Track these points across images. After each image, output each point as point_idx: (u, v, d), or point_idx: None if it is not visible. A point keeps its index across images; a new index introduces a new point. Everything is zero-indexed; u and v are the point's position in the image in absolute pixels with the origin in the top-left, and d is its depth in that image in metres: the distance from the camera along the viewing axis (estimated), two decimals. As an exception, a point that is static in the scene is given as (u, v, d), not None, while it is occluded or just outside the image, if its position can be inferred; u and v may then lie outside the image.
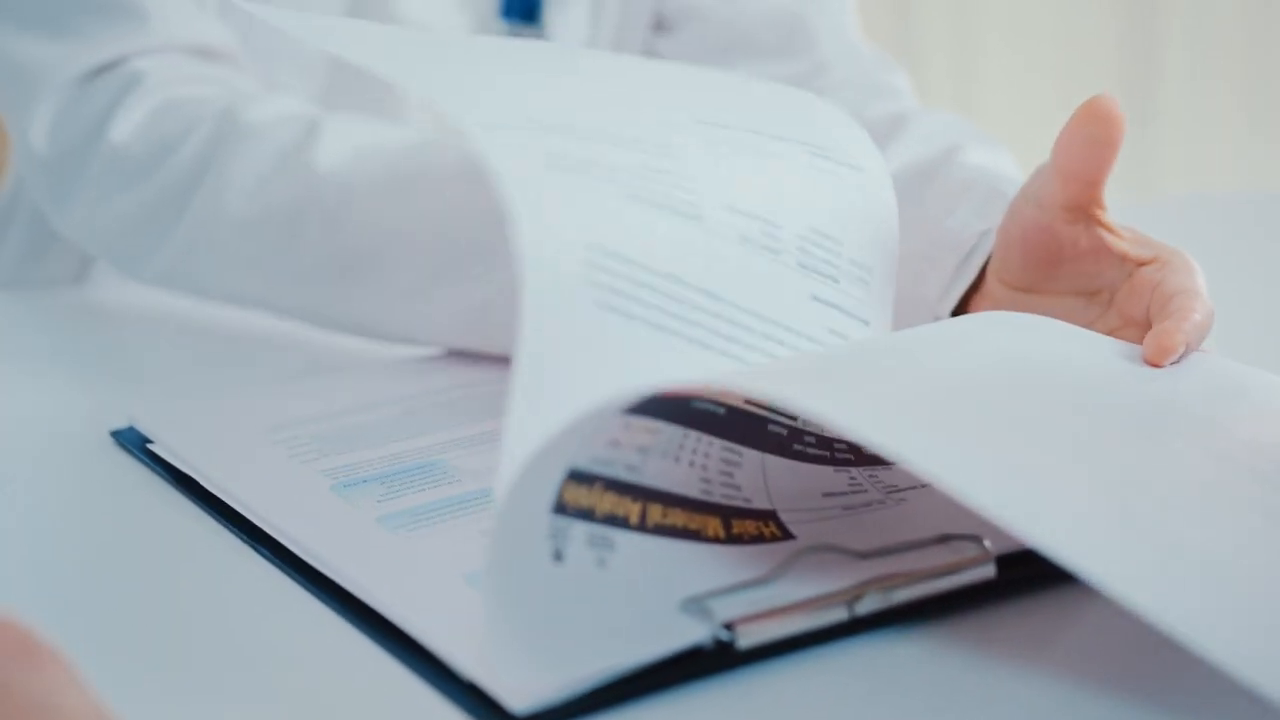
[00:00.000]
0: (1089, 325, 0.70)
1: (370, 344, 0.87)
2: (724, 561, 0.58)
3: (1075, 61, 2.33)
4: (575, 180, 0.61)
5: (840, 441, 0.64)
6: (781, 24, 1.06)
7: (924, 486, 0.64)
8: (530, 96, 0.64)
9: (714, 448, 0.60)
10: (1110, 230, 0.72)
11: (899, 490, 0.65)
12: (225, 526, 0.68)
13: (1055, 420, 0.58)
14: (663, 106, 0.68)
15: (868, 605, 0.57)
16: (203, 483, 0.70)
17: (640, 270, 0.61)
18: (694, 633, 0.55)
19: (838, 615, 0.57)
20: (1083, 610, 0.59)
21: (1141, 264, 0.71)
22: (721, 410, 0.60)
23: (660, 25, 1.10)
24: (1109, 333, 0.70)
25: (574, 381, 0.56)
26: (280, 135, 0.87)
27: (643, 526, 0.57)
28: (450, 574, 0.61)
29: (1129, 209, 0.77)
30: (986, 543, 0.60)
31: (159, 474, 0.73)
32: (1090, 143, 0.70)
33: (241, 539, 0.67)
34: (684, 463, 0.59)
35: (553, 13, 1.06)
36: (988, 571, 0.60)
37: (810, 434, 0.63)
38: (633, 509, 0.56)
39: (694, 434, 0.59)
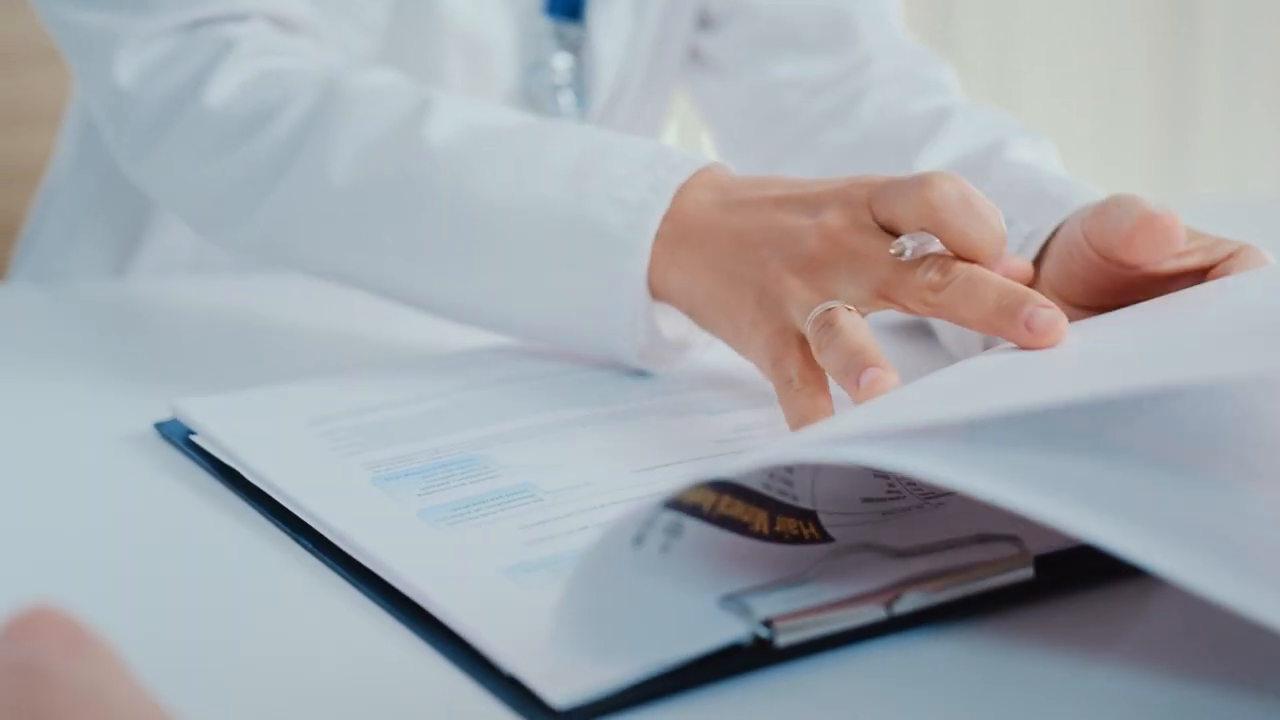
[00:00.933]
0: None
1: (412, 339, 0.88)
2: (762, 559, 0.59)
3: (1112, 60, 2.32)
4: None
5: None
6: (826, 18, 1.06)
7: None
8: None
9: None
10: (1182, 256, 0.71)
11: (936, 496, 0.65)
12: (267, 518, 0.69)
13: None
14: None
15: (906, 605, 0.58)
16: (245, 474, 0.71)
17: None
18: (733, 629, 0.55)
19: (875, 614, 0.57)
20: (1122, 611, 0.59)
21: (1215, 264, 0.71)
22: None
23: (705, 21, 1.10)
24: None
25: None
26: (390, 106, 0.85)
27: (711, 515, 0.57)
28: (490, 568, 0.61)
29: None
30: (1024, 543, 0.60)
31: (202, 465, 0.74)
32: (1151, 250, 0.70)
33: (284, 530, 0.67)
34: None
35: (596, 10, 1.06)
36: (1026, 572, 0.60)
37: None
38: (709, 498, 0.57)
39: None
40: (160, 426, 0.78)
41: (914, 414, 0.55)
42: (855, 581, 0.58)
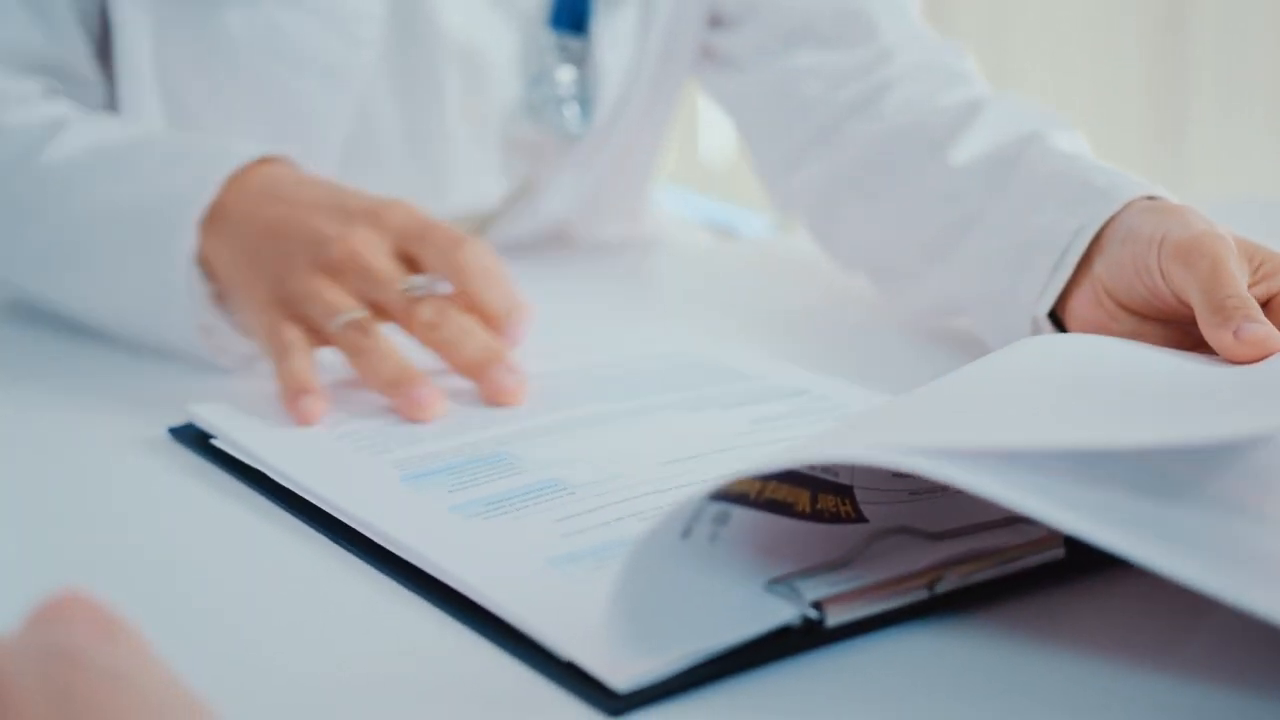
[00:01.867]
0: None
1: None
2: (804, 541, 0.60)
3: (1106, 61, 2.32)
4: None
5: None
6: (841, 12, 1.06)
7: None
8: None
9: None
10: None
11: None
12: (297, 516, 0.69)
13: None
14: None
15: (946, 585, 0.59)
16: (275, 477, 0.71)
17: None
18: (783, 612, 0.56)
19: (918, 595, 0.58)
20: (1151, 590, 0.60)
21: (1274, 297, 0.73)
22: None
23: (717, 20, 1.10)
24: None
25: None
26: (24, 137, 0.93)
27: (757, 501, 0.58)
28: (534, 559, 0.62)
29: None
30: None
31: (221, 470, 0.74)
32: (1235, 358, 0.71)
33: (316, 530, 0.68)
34: None
35: (601, 21, 1.06)
36: (1057, 552, 0.61)
37: None
38: (754, 486, 0.58)
39: None
40: (175, 432, 0.79)
41: (991, 435, 0.56)
42: (895, 564, 0.59)
